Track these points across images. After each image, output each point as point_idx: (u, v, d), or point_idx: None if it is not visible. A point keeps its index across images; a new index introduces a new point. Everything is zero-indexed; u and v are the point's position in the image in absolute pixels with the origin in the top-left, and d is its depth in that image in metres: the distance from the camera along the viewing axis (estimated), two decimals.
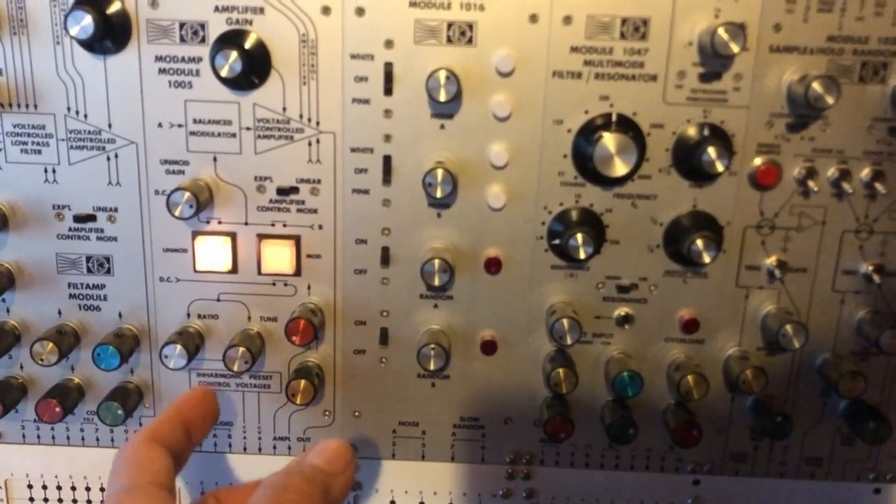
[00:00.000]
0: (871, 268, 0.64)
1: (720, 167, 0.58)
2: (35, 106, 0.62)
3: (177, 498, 0.72)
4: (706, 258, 0.60)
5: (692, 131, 0.61)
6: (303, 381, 0.64)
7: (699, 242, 0.60)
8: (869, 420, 0.64)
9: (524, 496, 0.71)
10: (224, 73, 0.58)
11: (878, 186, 0.61)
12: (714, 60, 0.59)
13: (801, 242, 0.64)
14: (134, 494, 0.49)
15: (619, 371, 0.64)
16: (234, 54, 0.57)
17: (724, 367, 0.66)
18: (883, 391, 0.67)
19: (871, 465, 0.70)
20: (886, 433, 0.64)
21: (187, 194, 0.60)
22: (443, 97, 0.58)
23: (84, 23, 0.56)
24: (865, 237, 0.64)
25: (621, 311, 0.66)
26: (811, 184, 0.61)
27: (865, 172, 0.62)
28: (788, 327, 0.62)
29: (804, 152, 0.62)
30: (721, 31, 0.56)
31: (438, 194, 0.60)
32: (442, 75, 0.58)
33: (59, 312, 0.67)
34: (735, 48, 0.56)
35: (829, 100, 0.57)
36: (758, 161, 0.62)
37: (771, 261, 0.64)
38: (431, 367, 0.63)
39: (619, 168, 0.59)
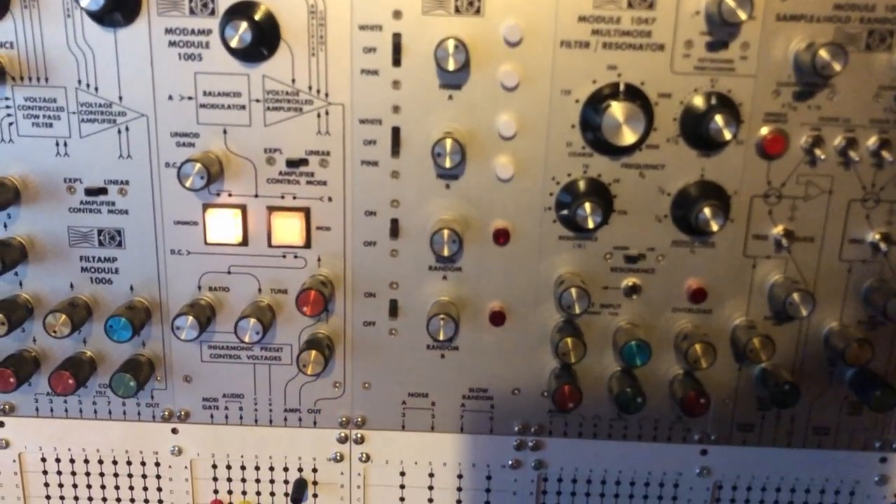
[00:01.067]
0: (878, 236, 0.64)
1: (728, 135, 0.59)
2: (46, 79, 0.62)
3: (189, 469, 0.73)
4: (714, 227, 0.61)
5: (699, 100, 0.61)
6: (313, 352, 0.65)
7: (707, 211, 0.61)
8: (875, 388, 0.65)
9: (533, 467, 0.72)
10: (234, 43, 0.58)
11: (885, 154, 0.62)
12: (721, 29, 0.59)
13: (808, 211, 0.64)
14: None
15: (627, 341, 0.64)
16: (243, 25, 0.58)
17: (732, 336, 0.67)
18: (889, 360, 0.67)
19: (877, 434, 0.70)
20: (892, 401, 0.65)
21: (198, 166, 0.60)
22: (451, 66, 0.58)
23: None
24: (872, 206, 0.64)
25: (629, 281, 0.66)
26: (818, 152, 0.62)
27: (872, 141, 0.62)
28: (796, 295, 0.63)
29: (811, 121, 0.62)
30: None
31: (447, 164, 0.60)
32: (451, 44, 0.58)
33: (72, 286, 0.67)
34: (742, 15, 0.57)
35: (837, 66, 0.57)
36: (765, 130, 0.62)
37: (778, 230, 0.64)
38: (441, 337, 0.64)
39: (628, 137, 0.59)
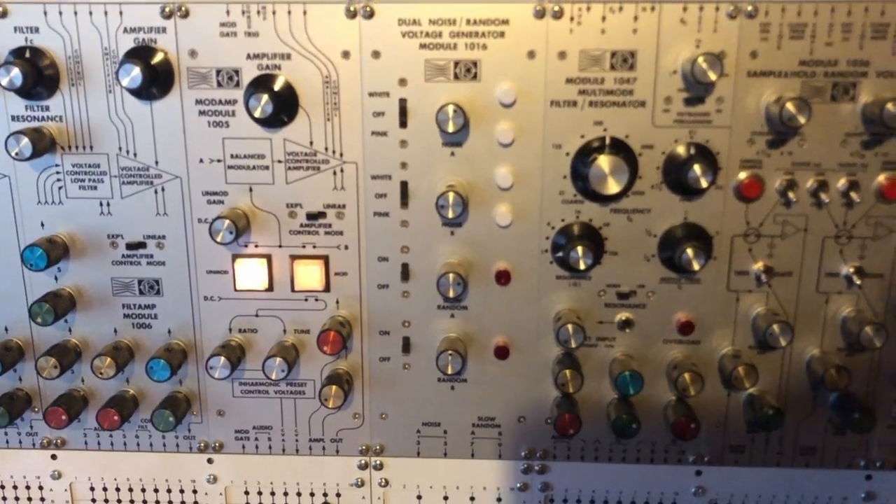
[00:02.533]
0: (851, 270, 0.69)
1: (705, 183, 0.64)
2: (91, 147, 0.69)
3: (224, 496, 0.79)
4: (696, 266, 0.66)
5: (680, 150, 0.67)
6: (334, 387, 0.71)
7: (689, 251, 0.66)
8: (855, 411, 0.70)
9: (539, 489, 0.77)
10: (257, 114, 0.65)
11: (854, 196, 0.67)
12: (696, 86, 0.65)
13: (786, 248, 0.69)
14: None
15: (621, 371, 0.70)
16: (265, 97, 0.64)
17: (719, 365, 0.72)
18: (868, 384, 0.72)
19: (861, 452, 0.75)
20: (871, 423, 0.69)
21: (227, 222, 0.67)
22: (451, 128, 0.64)
23: (133, 74, 0.64)
24: (845, 242, 0.69)
25: (622, 315, 0.72)
26: (791, 195, 0.67)
27: (842, 183, 0.67)
28: (775, 327, 0.68)
29: (784, 166, 0.67)
30: (700, 61, 0.63)
31: (450, 215, 0.66)
32: (450, 109, 0.64)
33: (115, 331, 0.74)
34: (713, 76, 0.62)
35: (802, 119, 0.63)
36: (742, 175, 0.68)
37: (758, 266, 0.70)
38: (450, 371, 0.70)
39: (613, 186, 0.65)
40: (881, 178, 0.67)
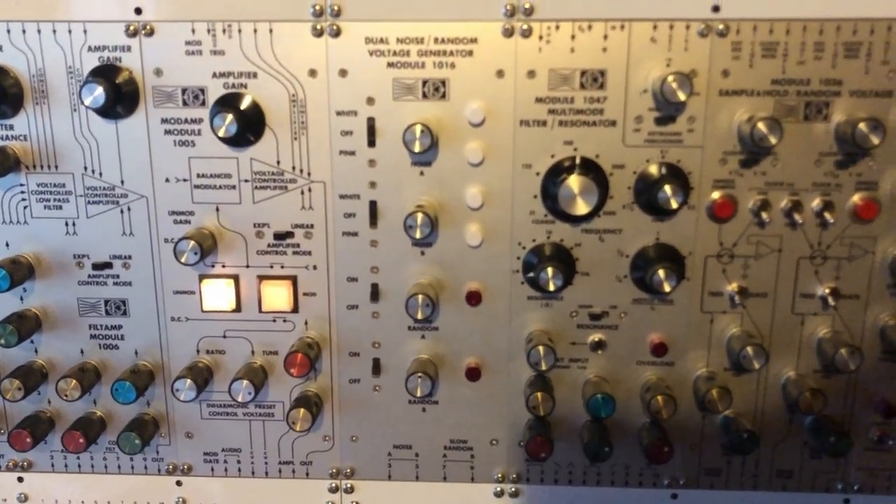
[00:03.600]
0: (827, 291, 0.68)
1: (675, 204, 0.64)
2: (56, 166, 0.68)
3: None
4: (667, 287, 0.65)
5: (651, 170, 0.66)
6: (302, 410, 0.70)
7: (660, 273, 0.65)
8: (830, 434, 0.69)
9: None
10: (221, 133, 0.64)
11: (828, 216, 0.66)
12: (667, 106, 0.64)
13: (760, 269, 0.68)
14: None
15: (593, 394, 0.69)
16: (230, 117, 0.64)
17: (693, 387, 0.71)
18: (845, 406, 0.71)
19: (838, 475, 0.74)
20: (847, 447, 0.68)
21: (192, 242, 0.66)
22: (417, 148, 0.64)
23: (96, 93, 0.63)
24: (820, 262, 0.68)
25: (595, 337, 0.71)
26: (765, 215, 0.66)
27: (816, 203, 0.67)
28: (749, 349, 0.67)
29: (757, 186, 0.66)
30: (670, 80, 0.62)
31: (418, 235, 0.66)
32: (417, 129, 0.64)
33: (82, 351, 0.73)
34: (682, 96, 0.62)
35: (773, 139, 0.62)
36: (714, 195, 0.67)
37: (732, 287, 0.69)
38: (419, 393, 0.69)
39: (582, 207, 0.64)
40: (855, 198, 0.66)
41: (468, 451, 0.75)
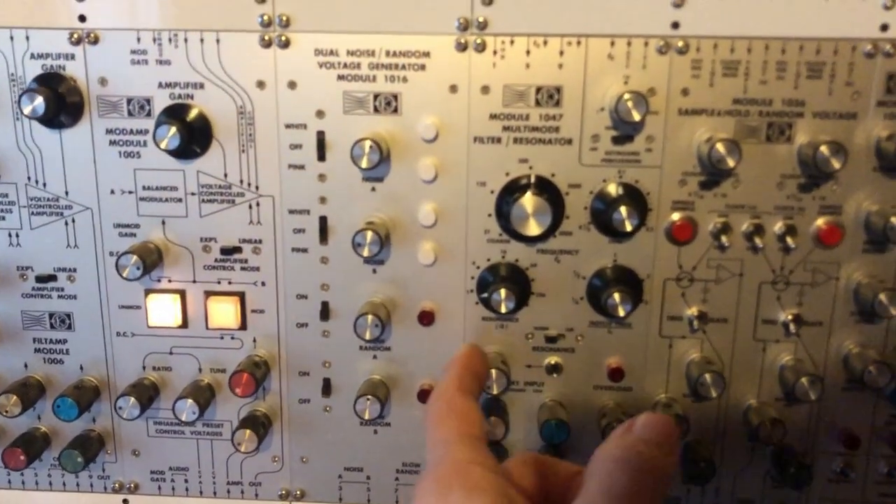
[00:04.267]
0: (789, 317, 0.66)
1: (629, 226, 0.62)
2: None
3: None
4: (621, 311, 0.63)
5: (609, 189, 0.64)
6: (247, 431, 0.68)
7: (616, 296, 0.63)
8: (791, 465, 0.66)
9: None
10: (163, 146, 0.62)
11: (790, 241, 0.64)
12: (624, 125, 0.62)
13: (721, 293, 0.66)
14: (465, 443, 0.46)
15: (546, 419, 0.67)
16: (172, 129, 0.62)
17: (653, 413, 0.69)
18: (807, 436, 0.69)
19: None
20: (807, 478, 0.66)
21: (134, 257, 0.64)
22: (365, 164, 0.62)
23: (36, 102, 0.61)
24: (783, 288, 0.66)
25: (551, 360, 0.69)
26: (725, 239, 0.64)
27: (778, 226, 0.64)
28: (707, 377, 0.65)
29: (718, 208, 0.64)
30: (625, 99, 0.60)
31: (366, 254, 0.64)
32: (366, 144, 0.62)
33: (26, 365, 0.71)
34: (637, 116, 0.60)
35: (731, 162, 0.60)
36: (674, 217, 0.65)
37: (692, 311, 0.67)
38: (367, 416, 0.67)
39: (534, 228, 0.63)
40: (819, 222, 0.64)
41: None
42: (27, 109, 0.61)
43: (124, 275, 0.64)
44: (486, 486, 0.42)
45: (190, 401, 0.67)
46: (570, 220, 0.65)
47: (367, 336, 0.65)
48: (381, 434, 0.72)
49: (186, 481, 0.74)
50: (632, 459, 0.43)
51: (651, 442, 0.44)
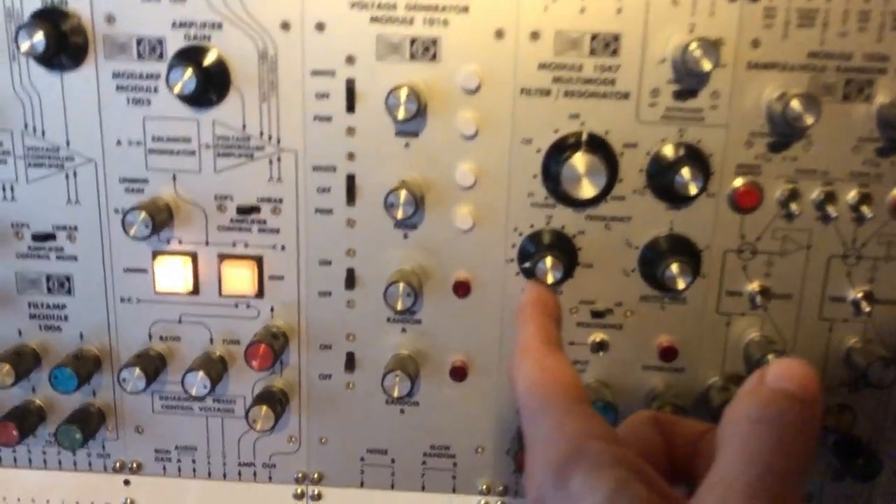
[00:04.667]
0: (860, 295, 0.61)
1: (694, 189, 0.56)
2: None
3: None
4: (681, 284, 0.58)
5: (667, 151, 0.58)
6: (264, 408, 0.62)
7: (674, 268, 0.58)
8: (858, 456, 0.61)
9: None
10: (178, 90, 0.56)
11: (865, 210, 0.58)
12: (689, 78, 0.57)
13: (786, 267, 0.61)
14: (571, 413, 0.38)
15: (592, 401, 0.61)
16: (188, 71, 0.56)
17: (706, 397, 0.63)
18: (874, 424, 0.63)
19: (863, 500, 0.66)
20: (876, 469, 0.61)
21: (143, 214, 0.58)
22: (401, 115, 0.56)
23: (35, 39, 0.55)
24: (854, 263, 0.60)
25: (596, 337, 0.63)
26: (794, 206, 0.58)
27: (852, 195, 0.59)
28: (771, 357, 0.59)
29: (786, 173, 0.59)
30: (693, 48, 0.54)
31: (400, 215, 0.58)
32: (402, 93, 0.56)
33: (20, 332, 0.65)
34: (707, 66, 0.54)
35: (809, 119, 0.54)
36: (738, 182, 0.59)
37: (753, 287, 0.61)
38: (396, 394, 0.61)
39: (588, 190, 0.57)
40: None
41: (450, 459, 0.67)
42: (25, 47, 0.55)
43: (132, 233, 0.58)
44: (608, 461, 0.35)
45: (201, 374, 0.62)
46: (624, 184, 0.59)
47: (399, 306, 0.60)
48: (409, 414, 0.66)
49: (194, 461, 0.68)
50: (773, 419, 0.36)
51: (791, 395, 0.37)
